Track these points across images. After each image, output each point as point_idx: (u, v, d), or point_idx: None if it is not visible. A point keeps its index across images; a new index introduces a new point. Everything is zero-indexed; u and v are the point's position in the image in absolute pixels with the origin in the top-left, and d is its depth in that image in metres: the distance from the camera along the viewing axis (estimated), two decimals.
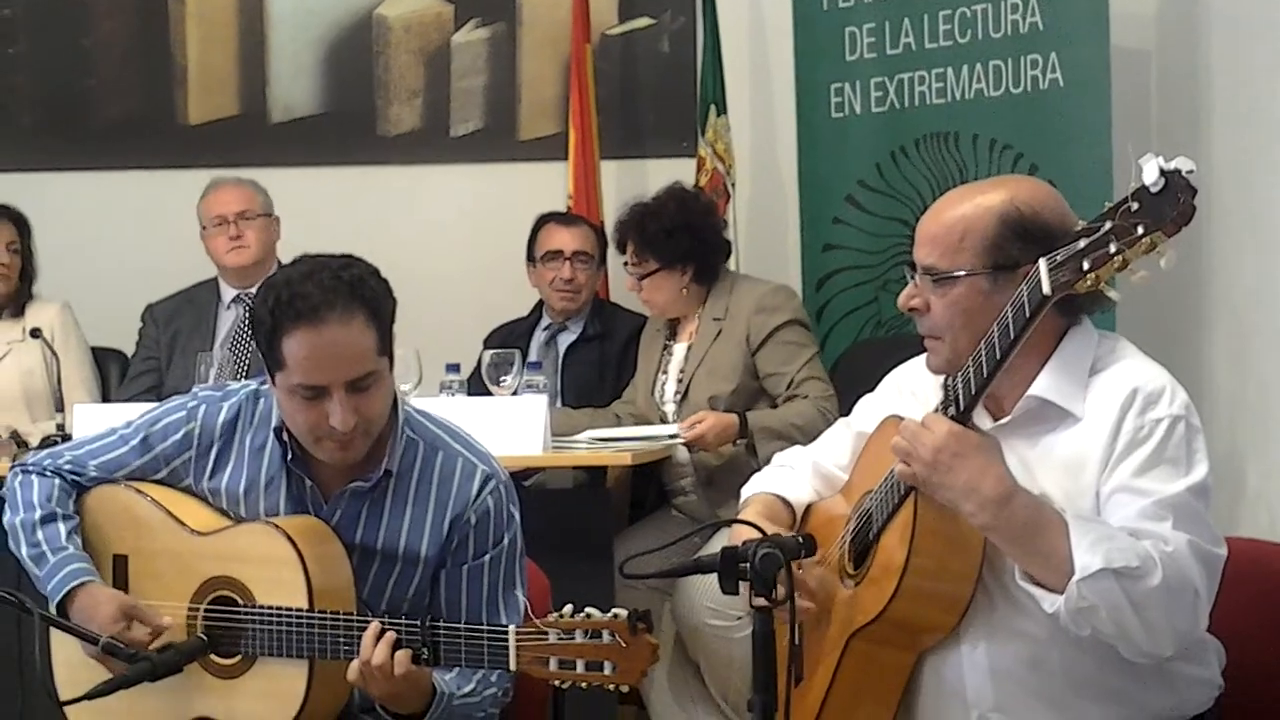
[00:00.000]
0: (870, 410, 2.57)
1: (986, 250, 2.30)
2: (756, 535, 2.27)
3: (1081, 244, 2.11)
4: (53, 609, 2.58)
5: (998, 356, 2.21)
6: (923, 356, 2.52)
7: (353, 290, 2.48)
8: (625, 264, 4.42)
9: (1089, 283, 2.11)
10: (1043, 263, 2.15)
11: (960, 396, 2.26)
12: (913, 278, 2.38)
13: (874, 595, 2.32)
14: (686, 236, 4.30)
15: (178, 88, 5.64)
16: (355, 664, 2.43)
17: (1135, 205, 2.06)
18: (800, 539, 2.31)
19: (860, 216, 5.10)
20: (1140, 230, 2.05)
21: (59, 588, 2.57)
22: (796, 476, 2.66)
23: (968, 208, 2.34)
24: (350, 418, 2.48)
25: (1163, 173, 2.04)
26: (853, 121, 5.07)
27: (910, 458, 2.24)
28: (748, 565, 2.15)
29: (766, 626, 2.12)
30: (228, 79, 5.63)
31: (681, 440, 4.08)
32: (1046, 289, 2.14)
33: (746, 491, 2.70)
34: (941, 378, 2.36)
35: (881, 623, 2.31)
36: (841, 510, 2.52)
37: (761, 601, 2.13)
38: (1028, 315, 2.17)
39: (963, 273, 2.31)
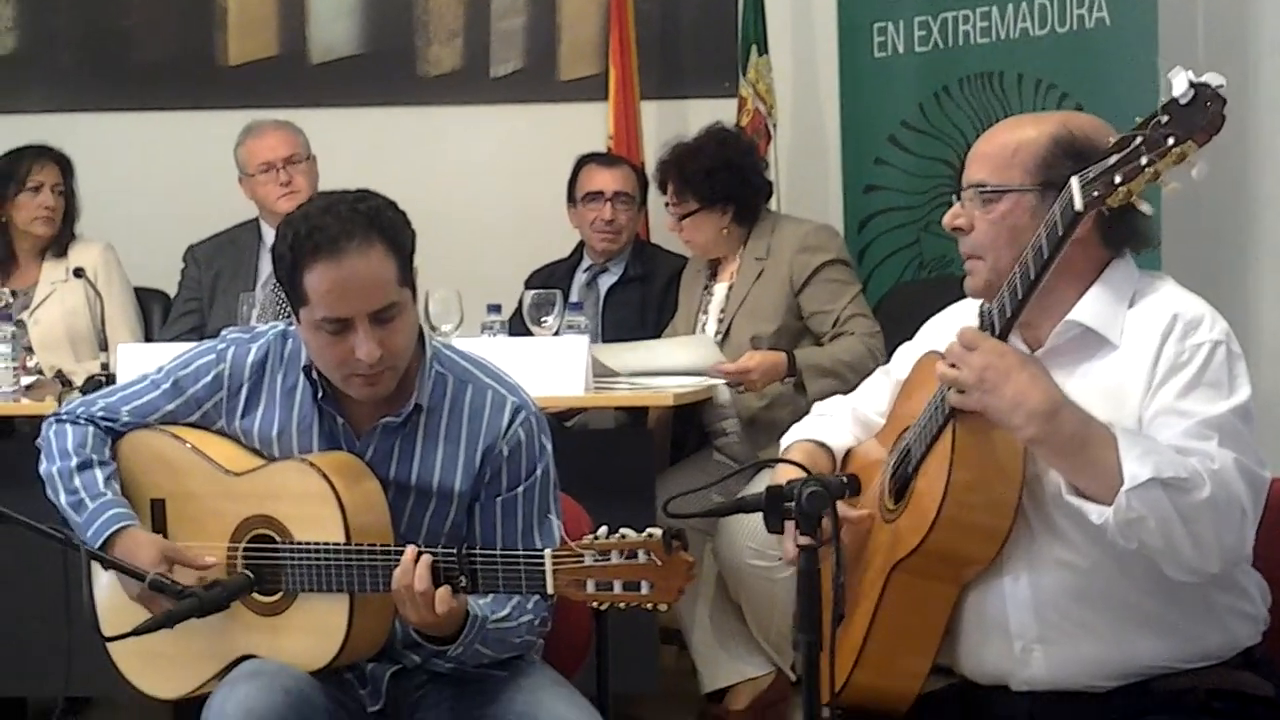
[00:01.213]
0: (908, 357, 2.55)
1: (1037, 168, 2.30)
2: (800, 475, 2.26)
3: (1113, 159, 2.12)
4: (96, 565, 2.59)
5: (1031, 278, 2.21)
6: (961, 304, 2.51)
7: (370, 221, 2.49)
8: (666, 204, 4.39)
9: (1120, 196, 2.12)
10: (1075, 179, 2.16)
11: (996, 321, 2.26)
12: (959, 199, 2.38)
13: (913, 526, 2.31)
14: (727, 176, 4.28)
15: (217, 28, 5.63)
16: (395, 576, 2.43)
17: (1165, 118, 2.08)
18: (844, 479, 2.31)
19: (903, 157, 5.06)
20: (1170, 141, 2.07)
21: (99, 533, 2.59)
22: (836, 423, 2.65)
23: (1022, 130, 2.35)
24: (375, 350, 2.48)
25: (1192, 85, 2.05)
26: (895, 61, 5.03)
27: (956, 378, 2.23)
28: (793, 504, 2.14)
29: (812, 565, 2.11)
30: (267, 19, 5.61)
31: (726, 379, 4.05)
32: (1078, 204, 2.14)
33: (786, 440, 2.69)
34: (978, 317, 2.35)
35: (921, 553, 2.30)
36: (879, 453, 2.51)
37: (807, 540, 2.12)
38: (1060, 233, 2.17)
39: (1011, 188, 2.31)
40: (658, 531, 2.31)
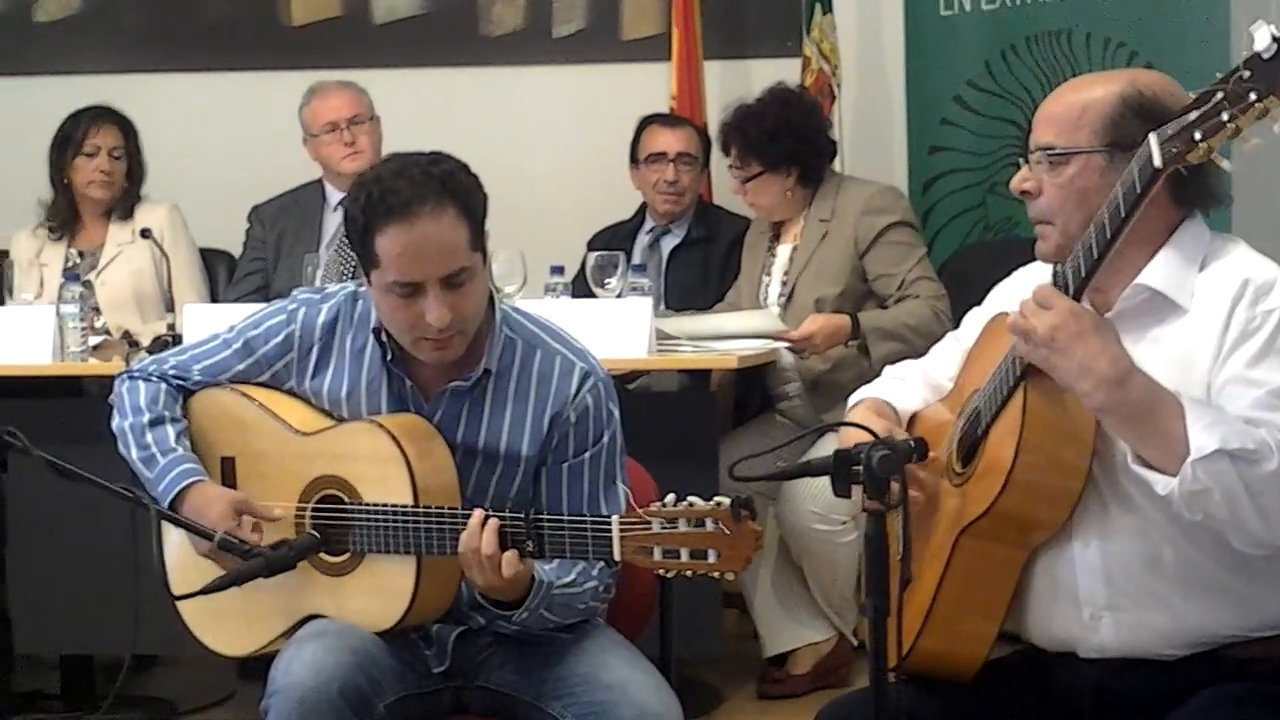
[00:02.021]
0: (978, 322, 2.53)
1: (1105, 128, 2.26)
2: (867, 438, 2.25)
3: (1192, 115, 2.08)
4: (165, 524, 2.60)
5: (1108, 237, 2.17)
6: (1030, 267, 2.48)
7: (443, 185, 2.48)
8: (729, 166, 4.37)
9: (1200, 153, 2.07)
10: (1153, 136, 2.11)
11: (1070, 281, 2.23)
12: (1026, 162, 2.34)
13: (983, 490, 2.29)
14: (790, 138, 4.24)
15: None
16: (462, 539, 2.43)
17: (1247, 73, 2.03)
18: (912, 442, 2.28)
19: (969, 117, 5.02)
20: (1253, 96, 2.02)
21: (170, 488, 2.61)
22: (906, 386, 2.63)
23: (1090, 90, 2.31)
24: (446, 314, 2.48)
25: (1275, 39, 2.01)
26: (962, 19, 4.98)
27: (1027, 335, 2.20)
28: (861, 467, 2.12)
29: (879, 529, 2.09)
30: None
31: (788, 344, 4.03)
32: (1157, 161, 2.10)
33: (855, 399, 2.67)
34: (1050, 278, 2.32)
35: (991, 517, 2.27)
36: (947, 416, 2.49)
37: (874, 504, 2.11)
38: (1138, 191, 2.13)
39: (1079, 149, 2.27)
40: (726, 500, 2.30)
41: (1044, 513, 2.28)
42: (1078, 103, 2.30)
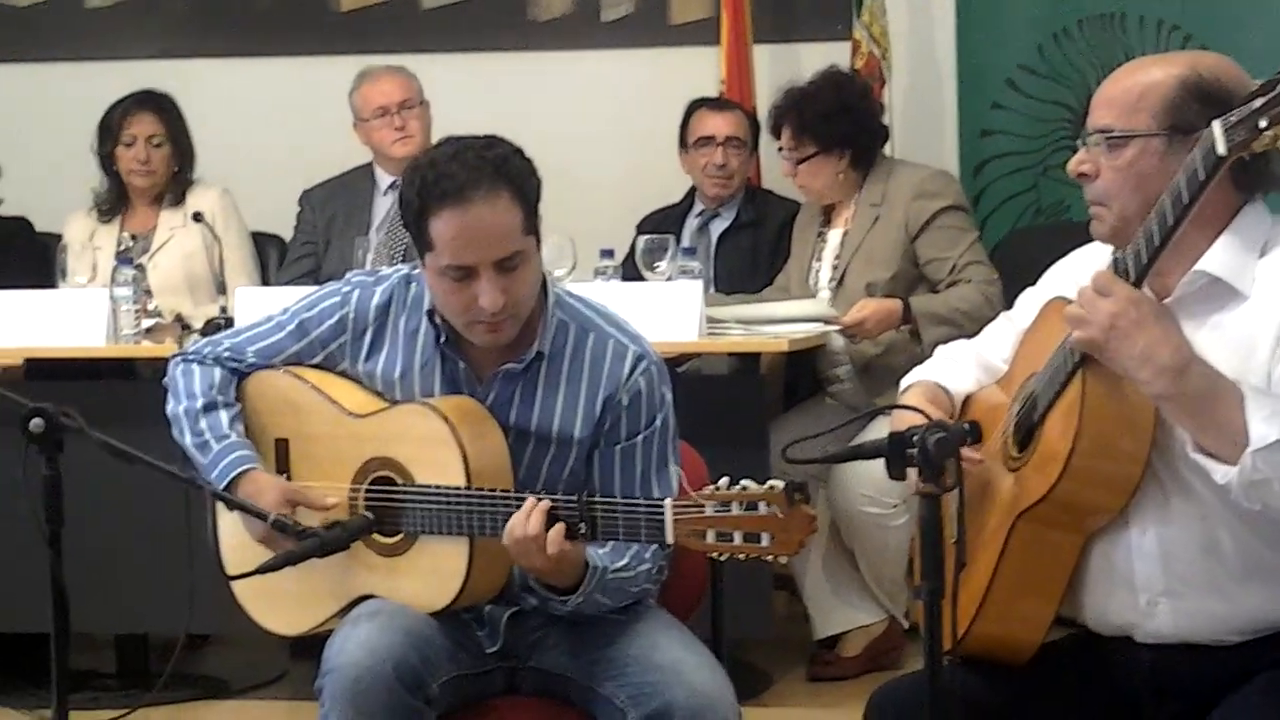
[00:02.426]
0: (1033, 303, 2.50)
1: (1164, 111, 2.24)
2: (920, 421, 2.24)
3: (1258, 103, 2.05)
4: (219, 507, 2.62)
5: (1170, 223, 2.15)
6: (1087, 249, 2.46)
7: (497, 169, 2.49)
8: (780, 149, 4.35)
9: (1266, 141, 2.04)
10: (1217, 123, 2.08)
11: (1131, 268, 2.20)
12: (1084, 144, 2.32)
13: (1040, 476, 2.27)
14: (844, 121, 4.23)
15: None
16: (508, 528, 2.44)
17: None
18: (966, 425, 2.28)
19: (1020, 100, 4.99)
20: None
21: (223, 475, 2.61)
22: (959, 367, 2.61)
23: (1148, 72, 2.28)
24: (499, 298, 2.48)
25: None
26: (1013, 2, 4.94)
27: (1086, 324, 2.19)
28: (916, 450, 2.11)
29: (934, 512, 2.08)
30: None
31: (839, 328, 4.03)
32: (1221, 149, 2.07)
33: (907, 381, 2.66)
34: (1109, 260, 2.30)
35: (1048, 503, 2.26)
36: (1001, 399, 2.47)
37: (929, 487, 2.10)
38: (1201, 179, 2.11)
39: (1138, 133, 2.25)
40: (780, 483, 2.29)
41: (1101, 499, 2.27)
42: (1136, 85, 2.28)
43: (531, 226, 2.53)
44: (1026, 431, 2.35)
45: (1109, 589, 2.31)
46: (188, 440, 2.68)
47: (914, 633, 4.18)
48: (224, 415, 2.68)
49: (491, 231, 2.47)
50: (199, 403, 2.69)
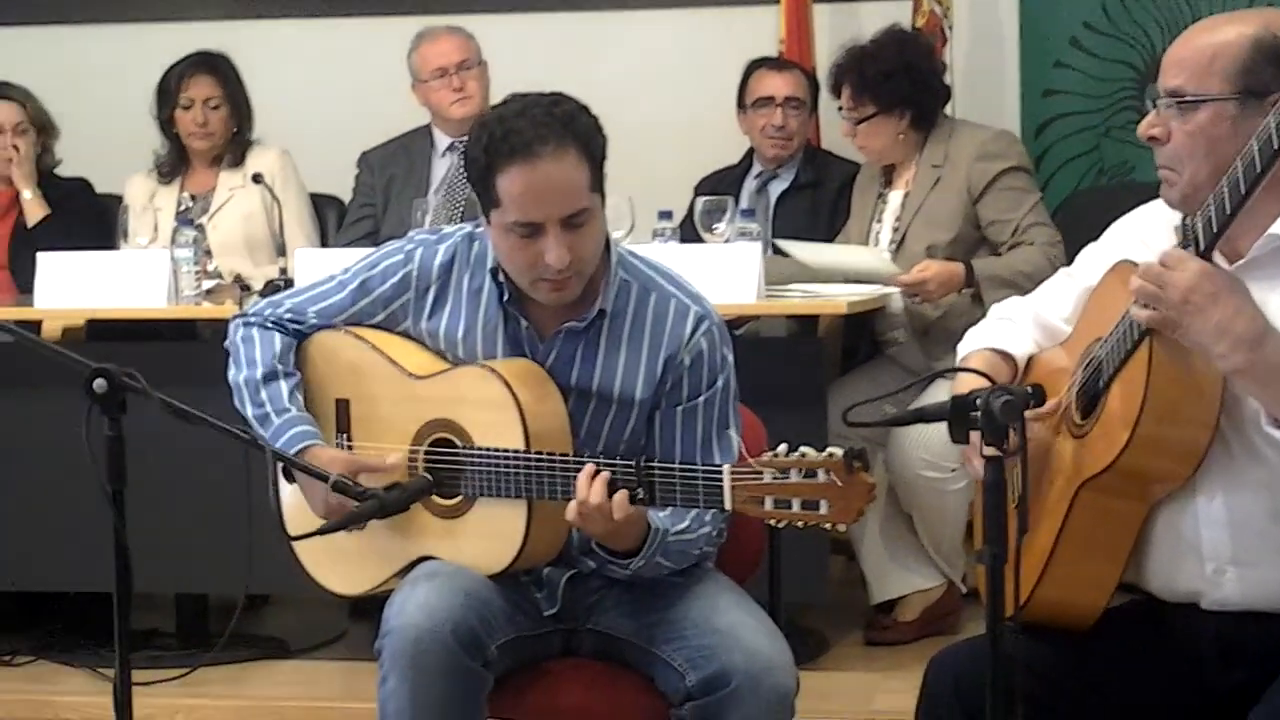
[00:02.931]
0: (1095, 260, 2.47)
1: (1238, 74, 2.20)
2: (982, 384, 2.21)
3: None
4: (279, 472, 2.63)
5: (1242, 191, 2.11)
6: (1150, 205, 2.42)
7: (565, 125, 2.48)
8: (840, 109, 4.31)
9: None
10: None
11: (1200, 236, 2.17)
12: (1154, 106, 2.28)
13: (1105, 444, 2.24)
14: (906, 80, 4.18)
15: None
16: (573, 504, 2.45)
17: None
18: (1029, 389, 2.25)
19: (1084, 60, 4.93)
20: None
21: (284, 449, 2.61)
22: (1017, 329, 2.58)
23: (1220, 32, 2.24)
24: (565, 255, 2.47)
25: None
26: None
27: (1156, 300, 2.15)
28: (979, 414, 2.08)
29: (998, 476, 2.06)
30: None
31: (902, 289, 3.99)
32: None
33: (964, 346, 2.63)
34: (1176, 222, 2.27)
35: (1113, 472, 2.23)
36: (1064, 362, 2.45)
37: (993, 451, 2.07)
38: (1276, 147, 2.07)
39: (1210, 96, 2.21)
40: (839, 451, 2.28)
41: (1168, 467, 2.24)
42: (1208, 46, 2.23)
43: (597, 184, 2.52)
44: (1091, 398, 2.32)
45: (1175, 556, 2.29)
46: (249, 412, 2.68)
47: (971, 597, 4.15)
48: (284, 386, 2.68)
49: (559, 188, 2.47)
50: (259, 372, 2.69)
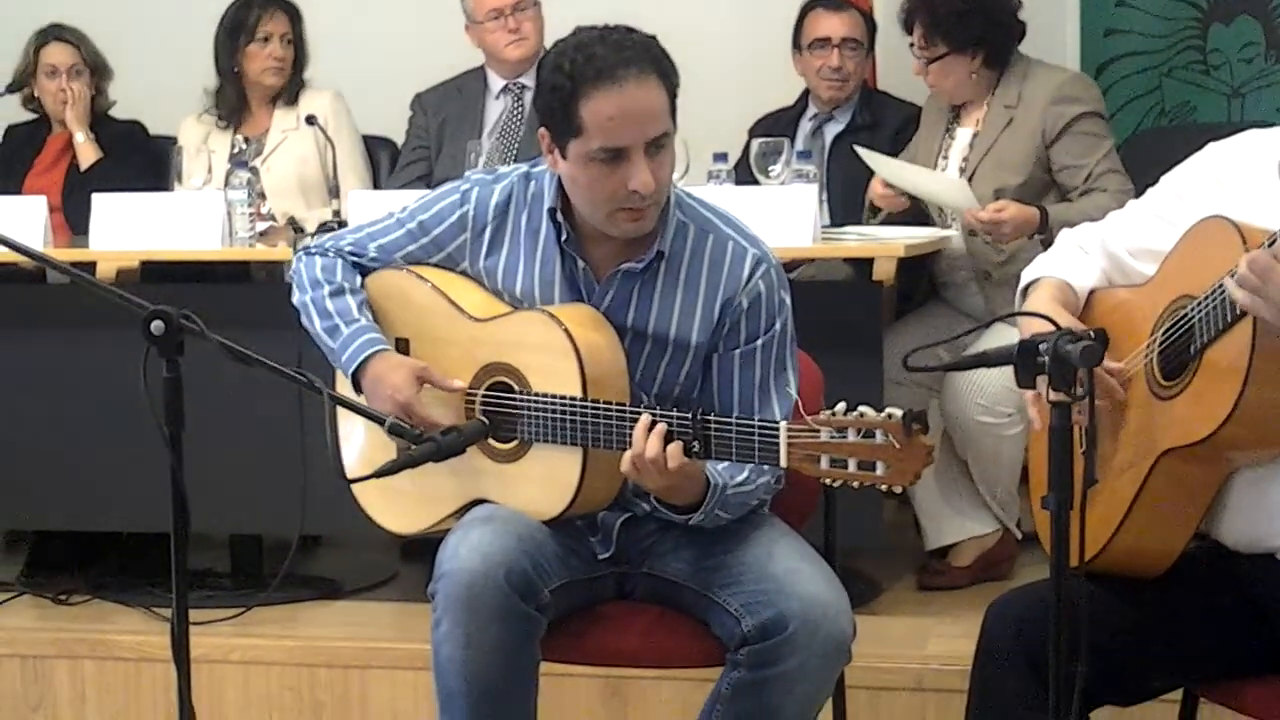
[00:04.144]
0: (1180, 193, 2.39)
1: None
2: (1047, 328, 2.17)
3: None
4: (348, 377, 2.64)
5: None
6: (1247, 135, 2.35)
7: (646, 50, 2.49)
8: (911, 46, 4.23)
9: None
10: None
11: None
12: None
13: (1199, 415, 2.19)
14: (979, 19, 4.09)
15: None
16: (628, 456, 2.43)
17: None
18: (1092, 334, 2.20)
19: None
20: None
21: (355, 356, 2.63)
22: (1086, 260, 2.52)
23: None
24: (650, 180, 2.46)
25: None
26: None
27: (1257, 291, 2.09)
28: (1047, 358, 2.04)
29: (1065, 422, 2.03)
30: None
31: (978, 225, 3.89)
32: None
33: (1031, 273, 2.57)
34: (1277, 159, 2.20)
35: (1206, 445, 2.19)
36: (1141, 305, 2.37)
37: (1060, 397, 2.03)
38: None
39: None
40: (898, 412, 2.24)
41: (1260, 445, 2.20)
42: None
43: (673, 110, 2.52)
44: (1178, 360, 2.26)
45: (1255, 514, 2.26)
46: (317, 325, 2.69)
47: (1026, 544, 4.12)
48: (352, 300, 2.69)
49: (645, 110, 2.46)
50: (326, 289, 2.70)
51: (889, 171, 4.01)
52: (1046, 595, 2.11)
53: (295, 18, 4.80)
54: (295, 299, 2.75)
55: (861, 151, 4.06)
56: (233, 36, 4.75)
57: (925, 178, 4.04)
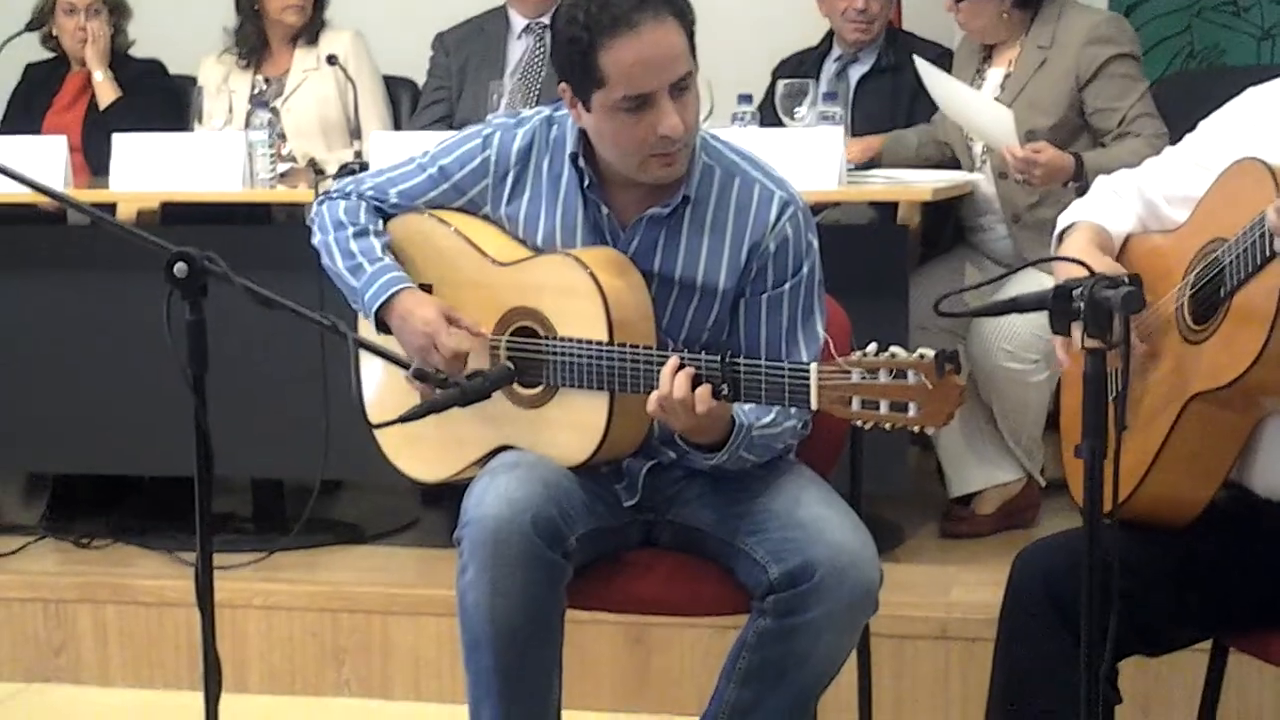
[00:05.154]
0: (1217, 139, 2.35)
1: None
2: (1081, 273, 2.13)
3: None
4: (372, 316, 2.63)
5: None
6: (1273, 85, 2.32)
7: None
8: None
9: None
10: None
11: None
12: None
13: (1228, 358, 2.17)
14: None
15: None
16: (654, 396, 2.40)
17: None
18: (1127, 278, 2.17)
19: None
20: None
21: (380, 293, 2.61)
22: (1122, 204, 2.48)
23: None
24: (678, 122, 2.43)
25: None
26: None
27: None
28: (1083, 304, 2.01)
29: (1100, 369, 1.99)
30: None
31: (1013, 162, 3.82)
32: None
33: (1067, 218, 2.54)
34: None
35: (1234, 389, 2.16)
36: (1171, 253, 2.35)
37: (1095, 343, 2.00)
38: None
39: None
40: (930, 352, 2.21)
41: None
42: None
43: (693, 50, 2.48)
44: (1208, 304, 2.23)
45: None
46: (340, 265, 2.66)
47: (1050, 491, 4.10)
48: (376, 241, 2.67)
49: (666, 54, 2.43)
50: (349, 230, 2.68)
51: (939, 87, 3.91)
52: (1076, 545, 2.09)
53: None
54: (316, 240, 2.72)
55: (919, 63, 3.98)
56: None
57: (974, 101, 3.94)
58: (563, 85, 2.52)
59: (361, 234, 2.67)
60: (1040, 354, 3.84)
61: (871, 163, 4.20)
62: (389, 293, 2.60)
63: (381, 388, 2.73)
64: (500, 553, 2.44)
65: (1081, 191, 3.80)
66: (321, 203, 2.75)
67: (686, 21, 2.47)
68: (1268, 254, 2.13)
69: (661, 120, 2.43)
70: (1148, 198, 2.45)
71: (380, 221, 2.71)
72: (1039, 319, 2.13)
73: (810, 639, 2.47)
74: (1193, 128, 2.48)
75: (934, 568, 3.85)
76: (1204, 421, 2.23)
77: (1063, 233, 2.51)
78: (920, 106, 4.40)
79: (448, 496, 2.63)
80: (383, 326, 2.63)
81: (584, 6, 2.43)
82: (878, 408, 2.25)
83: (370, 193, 2.72)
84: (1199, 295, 2.26)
